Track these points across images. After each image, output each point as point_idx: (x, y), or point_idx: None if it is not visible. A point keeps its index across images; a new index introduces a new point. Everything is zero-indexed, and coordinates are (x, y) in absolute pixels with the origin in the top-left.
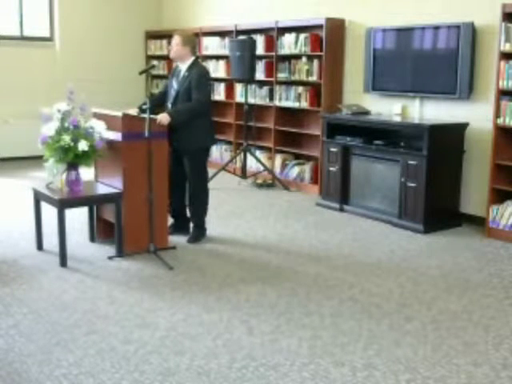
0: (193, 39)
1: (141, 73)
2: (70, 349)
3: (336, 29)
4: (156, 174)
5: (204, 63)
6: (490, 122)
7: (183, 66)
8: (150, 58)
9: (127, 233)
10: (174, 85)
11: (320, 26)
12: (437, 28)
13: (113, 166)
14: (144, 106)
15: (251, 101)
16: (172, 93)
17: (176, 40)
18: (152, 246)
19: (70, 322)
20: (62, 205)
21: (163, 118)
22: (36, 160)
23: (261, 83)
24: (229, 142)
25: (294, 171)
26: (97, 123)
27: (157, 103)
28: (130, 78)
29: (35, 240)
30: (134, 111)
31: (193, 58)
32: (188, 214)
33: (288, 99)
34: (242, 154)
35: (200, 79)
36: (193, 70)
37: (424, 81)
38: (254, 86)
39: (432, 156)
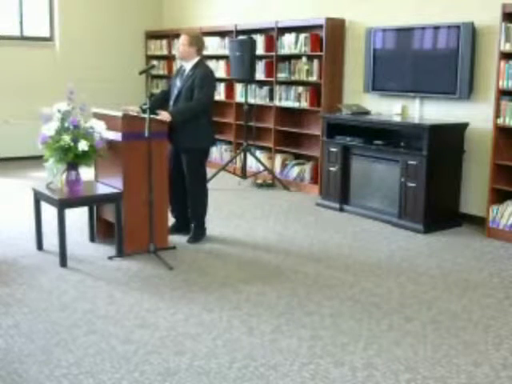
0: (200, 40)
1: (141, 73)
2: (69, 349)
3: (336, 29)
4: (156, 174)
5: None
6: (490, 122)
7: (187, 66)
8: (149, 58)
9: (127, 233)
10: (178, 83)
11: (320, 26)
12: (437, 28)
13: (113, 166)
14: (144, 106)
15: (251, 101)
16: (174, 91)
17: (182, 40)
18: (152, 245)
19: (70, 322)
20: (62, 205)
21: (165, 115)
22: (36, 160)
23: (261, 83)
24: (229, 142)
25: (293, 171)
26: (97, 123)
27: (160, 102)
28: (130, 78)
29: (35, 240)
30: (134, 108)
31: (198, 58)
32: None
33: (288, 99)
34: (242, 154)
35: (203, 79)
36: (197, 69)
37: (424, 81)
38: (254, 86)
39: (432, 156)
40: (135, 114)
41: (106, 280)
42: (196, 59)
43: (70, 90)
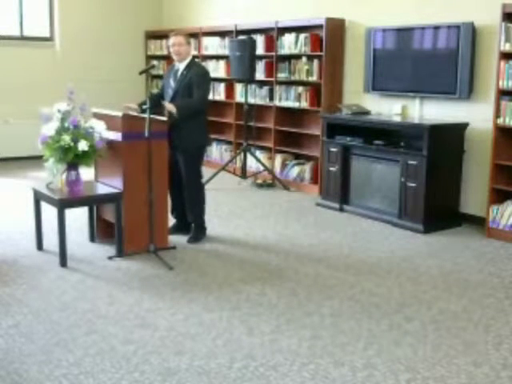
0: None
1: (141, 73)
2: (69, 349)
3: (336, 29)
4: (156, 174)
5: (204, 63)
6: (490, 122)
7: (181, 65)
8: (149, 57)
9: (127, 233)
10: (172, 83)
11: (320, 26)
12: (437, 28)
13: (113, 165)
14: (144, 106)
15: (251, 101)
16: (169, 92)
17: (180, 40)
18: (152, 246)
19: (70, 322)
20: (62, 205)
21: (170, 105)
22: (36, 160)
23: (261, 83)
24: (229, 142)
25: (293, 171)
26: (97, 123)
27: (154, 103)
28: (130, 78)
29: (35, 240)
30: (134, 105)
31: (190, 57)
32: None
33: (288, 99)
34: (242, 154)
35: (201, 78)
36: (192, 68)
37: (424, 81)
38: (253, 86)
39: (432, 156)
40: (135, 114)
41: (105, 280)
42: (189, 58)
43: (70, 90)
